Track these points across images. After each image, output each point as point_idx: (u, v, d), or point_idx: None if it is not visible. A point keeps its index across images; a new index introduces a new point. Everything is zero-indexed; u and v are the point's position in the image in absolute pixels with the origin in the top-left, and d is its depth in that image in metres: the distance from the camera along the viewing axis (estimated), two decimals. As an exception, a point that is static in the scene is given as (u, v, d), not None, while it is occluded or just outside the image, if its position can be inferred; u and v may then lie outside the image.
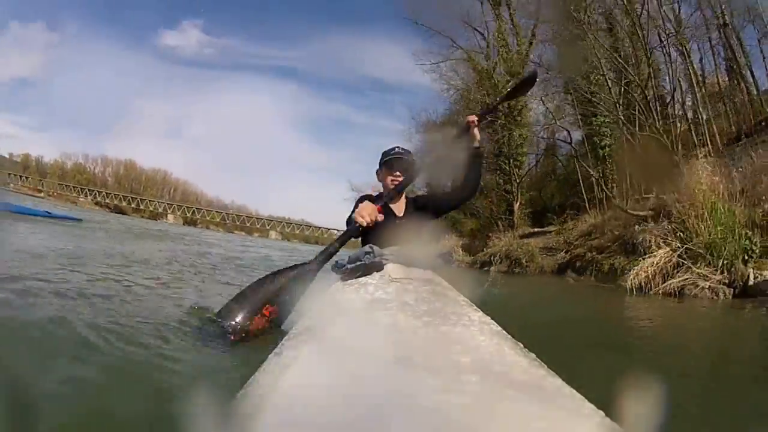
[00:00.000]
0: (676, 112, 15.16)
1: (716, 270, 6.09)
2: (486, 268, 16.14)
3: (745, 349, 3.31)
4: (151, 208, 72.11)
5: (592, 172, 13.60)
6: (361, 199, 2.51)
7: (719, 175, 7.51)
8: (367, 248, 1.92)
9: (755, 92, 14.71)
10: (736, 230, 6.44)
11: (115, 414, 1.19)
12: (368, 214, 2.17)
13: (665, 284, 6.17)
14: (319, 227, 71.30)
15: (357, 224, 2.17)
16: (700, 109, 14.88)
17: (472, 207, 22.73)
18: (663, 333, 3.91)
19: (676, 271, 6.31)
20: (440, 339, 0.78)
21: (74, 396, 1.26)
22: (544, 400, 0.52)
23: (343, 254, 2.13)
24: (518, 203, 21.86)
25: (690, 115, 15.10)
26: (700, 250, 6.25)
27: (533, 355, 0.70)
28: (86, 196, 72.47)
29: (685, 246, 6.36)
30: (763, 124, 13.12)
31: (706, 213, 6.39)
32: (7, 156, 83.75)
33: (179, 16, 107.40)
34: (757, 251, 6.52)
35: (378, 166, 2.74)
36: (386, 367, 0.61)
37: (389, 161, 2.62)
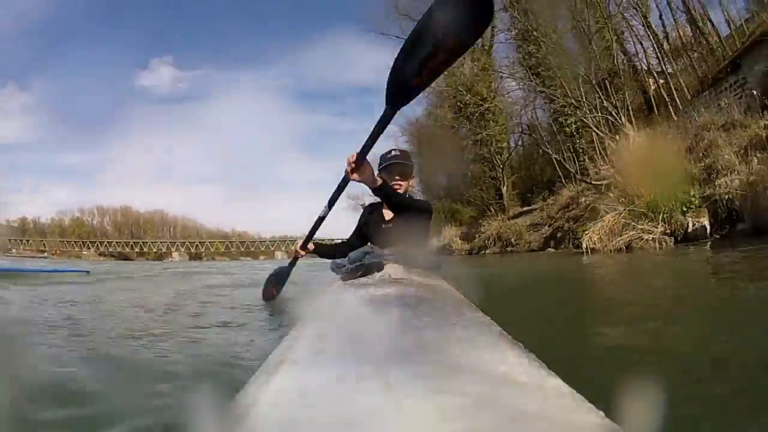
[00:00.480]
0: (646, 70, 16.06)
1: (657, 224, 7.25)
2: (483, 252, 17.27)
3: (695, 281, 4.24)
4: (154, 249, 72.46)
5: (551, 153, 14.65)
6: (368, 208, 2.78)
7: (668, 137, 8.68)
8: (367, 248, 1.96)
9: (717, 40, 15.22)
10: (674, 187, 7.59)
11: (116, 414, 1.28)
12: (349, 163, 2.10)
13: (614, 242, 7.31)
14: (323, 240, 71.36)
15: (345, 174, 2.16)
16: (664, 66, 15.81)
17: (467, 196, 23.84)
18: (618, 283, 4.97)
19: (624, 230, 7.46)
20: (440, 339, 0.78)
21: (75, 396, 1.39)
22: (544, 400, 0.53)
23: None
24: (506, 186, 22.99)
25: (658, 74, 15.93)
26: (642, 210, 7.40)
27: (533, 355, 0.68)
28: (89, 248, 72.55)
29: (628, 208, 7.51)
30: (727, 70, 13.51)
31: (643, 179, 7.54)
32: (5, 222, 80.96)
33: (148, 54, 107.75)
34: (696, 202, 7.68)
35: (376, 170, 2.51)
36: (385, 367, 0.60)
37: (389, 166, 2.57)
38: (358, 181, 2.04)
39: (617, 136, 9.86)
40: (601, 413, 0.49)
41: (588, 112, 11.82)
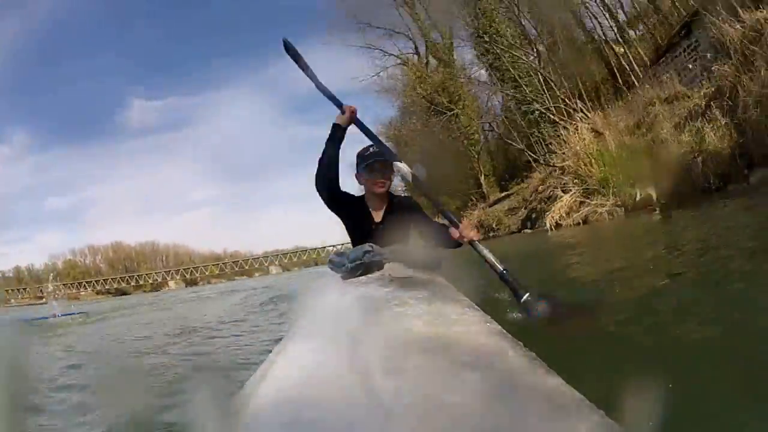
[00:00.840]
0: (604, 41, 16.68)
1: (608, 198, 8.25)
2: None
3: (648, 241, 5.00)
4: (150, 281, 72.53)
5: (512, 144, 15.67)
6: (353, 199, 2.62)
7: (617, 116, 9.67)
8: (367, 247, 1.92)
9: (670, 5, 15.23)
10: (621, 163, 8.58)
11: (117, 414, 1.27)
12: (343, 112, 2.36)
13: (573, 217, 8.33)
14: (315, 248, 71.69)
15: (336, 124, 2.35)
16: (617, 34, 16.54)
17: (449, 189, 24.68)
18: (584, 249, 5.81)
19: (581, 206, 8.47)
20: (440, 338, 0.78)
21: (75, 396, 1.38)
22: (544, 399, 0.53)
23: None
24: (483, 175, 23.93)
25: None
26: (595, 187, 8.40)
27: (533, 354, 0.69)
28: (86, 288, 72.23)
29: (583, 187, 8.50)
30: (680, 35, 13.62)
31: (592, 160, 8.54)
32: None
33: (120, 89, 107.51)
34: (644, 173, 8.65)
35: (356, 170, 2.54)
36: (386, 366, 0.61)
37: (371, 165, 2.45)
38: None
39: (571, 121, 10.86)
40: (601, 413, 0.50)
41: (542, 102, 12.80)
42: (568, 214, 8.58)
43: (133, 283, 72.12)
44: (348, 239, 2.66)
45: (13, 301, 65.85)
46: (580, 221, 8.35)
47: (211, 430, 0.53)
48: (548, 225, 8.72)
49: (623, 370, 0.82)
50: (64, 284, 71.09)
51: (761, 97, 6.73)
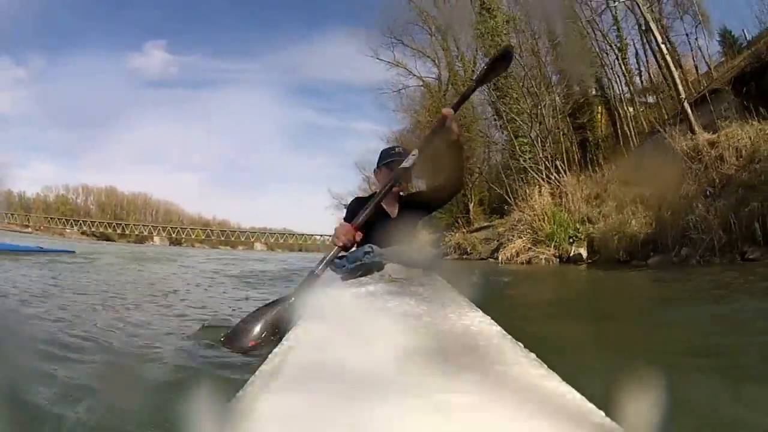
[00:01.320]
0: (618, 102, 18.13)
1: (550, 248, 10.98)
2: (444, 257, 21.04)
3: (573, 286, 7.29)
4: (136, 233, 73.26)
5: (494, 186, 18.31)
6: (353, 203, 2.62)
7: (578, 186, 12.42)
8: (367, 248, 1.93)
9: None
10: (566, 225, 11.31)
11: (117, 414, 1.32)
12: (344, 235, 2.11)
13: (519, 258, 11.06)
14: (302, 234, 72.92)
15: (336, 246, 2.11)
16: (624, 103, 17.95)
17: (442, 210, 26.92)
18: (523, 280, 8.27)
19: (528, 251, 11.20)
20: (440, 339, 0.79)
21: (75, 396, 1.41)
22: (544, 399, 0.53)
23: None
24: (472, 203, 26.27)
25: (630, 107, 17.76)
26: (542, 239, 11.12)
27: (533, 355, 0.69)
28: (72, 226, 72.92)
29: (533, 237, 11.22)
30: (680, 116, 14.59)
31: (545, 218, 11.27)
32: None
33: (142, 37, 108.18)
34: (582, 236, 11.39)
35: (377, 166, 2.68)
36: (386, 367, 0.62)
37: (391, 163, 2.55)
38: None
39: (542, 180, 13.59)
40: (602, 413, 0.50)
41: (525, 160, 15.50)
42: (517, 254, 11.31)
43: (119, 231, 73.27)
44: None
45: (-1, 224, 65.89)
46: (524, 261, 11.08)
47: (213, 430, 0.53)
48: (500, 259, 11.41)
49: (623, 370, 0.80)
50: (51, 218, 73.32)
51: (673, 204, 9.35)
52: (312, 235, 70.02)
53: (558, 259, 10.99)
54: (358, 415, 0.50)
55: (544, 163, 14.40)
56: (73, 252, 11.87)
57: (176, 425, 1.13)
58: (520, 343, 0.76)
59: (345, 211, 2.65)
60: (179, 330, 2.59)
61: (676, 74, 12.26)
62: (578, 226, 11.30)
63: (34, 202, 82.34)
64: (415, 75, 28.03)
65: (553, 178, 13.43)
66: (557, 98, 17.21)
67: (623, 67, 17.83)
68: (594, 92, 19.50)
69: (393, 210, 2.62)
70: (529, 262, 11.14)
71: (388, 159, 2.61)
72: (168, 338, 2.39)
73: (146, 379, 1.67)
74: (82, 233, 71.80)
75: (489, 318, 0.97)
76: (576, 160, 17.53)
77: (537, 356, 0.68)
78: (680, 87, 11.78)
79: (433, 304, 1.11)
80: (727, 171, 9.08)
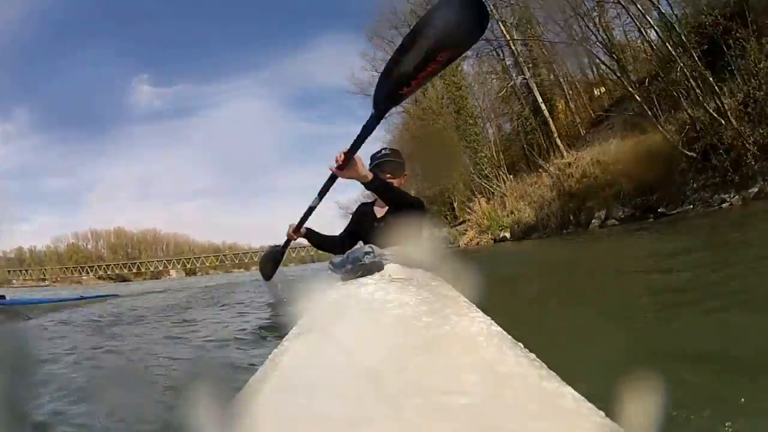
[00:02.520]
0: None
1: (488, 234, 19.18)
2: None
3: (509, 257, 14.78)
4: (151, 269, 73.27)
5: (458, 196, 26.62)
6: (361, 206, 2.83)
7: (512, 189, 20.57)
8: (367, 248, 1.92)
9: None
10: (497, 219, 19.48)
11: (117, 414, 1.34)
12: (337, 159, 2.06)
13: (472, 242, 19.30)
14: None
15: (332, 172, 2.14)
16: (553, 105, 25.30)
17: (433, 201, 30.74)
18: (482, 256, 15.78)
19: (475, 237, 19.44)
20: (440, 339, 0.79)
21: (76, 397, 1.43)
22: (544, 400, 0.53)
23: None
24: (456, 202, 30.74)
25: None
26: (483, 229, 19.28)
27: (533, 355, 0.69)
28: (88, 273, 72.13)
29: (479, 229, 19.36)
30: (607, 114, 19.92)
31: (485, 217, 19.42)
32: (0, 254, 78.68)
33: (129, 74, 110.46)
34: (506, 225, 19.53)
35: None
36: (386, 367, 0.62)
37: (380, 164, 2.60)
38: (348, 178, 2.08)
39: (483, 191, 21.72)
40: (602, 413, 0.50)
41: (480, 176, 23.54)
42: (470, 240, 19.46)
43: (134, 270, 72.66)
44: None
45: (14, 282, 66.08)
46: (475, 244, 19.21)
47: (213, 430, 0.53)
48: (461, 244, 19.58)
49: (623, 371, 0.75)
50: (66, 268, 72.81)
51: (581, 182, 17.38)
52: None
53: (493, 240, 19.13)
54: (358, 415, 0.50)
55: (492, 175, 22.57)
56: (116, 295, 11.82)
57: (177, 425, 1.18)
58: (520, 344, 0.76)
59: (355, 210, 2.92)
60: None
61: (546, 113, 20.24)
62: (505, 219, 19.32)
63: (46, 254, 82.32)
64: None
65: (494, 186, 21.47)
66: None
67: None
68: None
69: (381, 211, 2.63)
70: (477, 244, 19.28)
71: (376, 161, 2.62)
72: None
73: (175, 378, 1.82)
74: (99, 278, 71.25)
75: (489, 318, 0.95)
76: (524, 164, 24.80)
77: (537, 356, 0.69)
78: (552, 126, 19.78)
79: (433, 304, 1.08)
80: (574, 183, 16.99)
